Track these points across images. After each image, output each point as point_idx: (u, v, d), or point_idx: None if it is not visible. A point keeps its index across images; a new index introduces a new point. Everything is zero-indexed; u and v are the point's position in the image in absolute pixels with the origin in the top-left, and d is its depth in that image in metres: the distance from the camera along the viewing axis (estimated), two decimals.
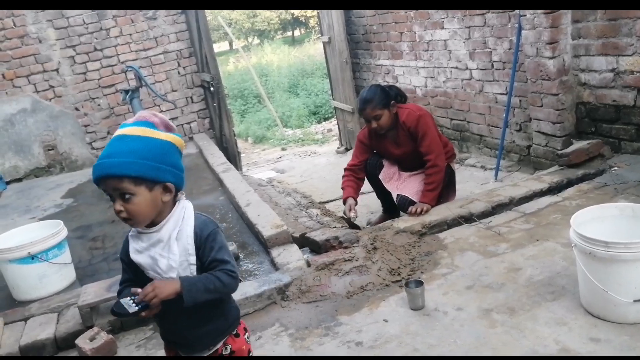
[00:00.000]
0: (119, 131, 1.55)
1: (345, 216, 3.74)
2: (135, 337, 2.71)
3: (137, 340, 2.67)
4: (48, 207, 5.37)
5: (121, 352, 2.59)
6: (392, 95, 3.72)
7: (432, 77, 5.66)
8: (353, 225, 3.68)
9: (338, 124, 8.16)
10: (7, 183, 6.24)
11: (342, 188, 3.90)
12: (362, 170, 3.96)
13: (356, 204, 3.80)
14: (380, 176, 3.91)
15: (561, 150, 3.98)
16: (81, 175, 6.44)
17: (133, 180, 1.50)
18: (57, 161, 6.78)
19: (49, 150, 6.75)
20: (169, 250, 1.57)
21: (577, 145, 3.91)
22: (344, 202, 3.80)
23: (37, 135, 6.67)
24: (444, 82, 5.48)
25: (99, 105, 6.92)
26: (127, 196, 1.51)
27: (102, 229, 4.54)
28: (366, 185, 4.11)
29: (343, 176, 3.97)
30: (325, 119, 11.65)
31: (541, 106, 4.14)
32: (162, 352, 2.52)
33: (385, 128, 3.73)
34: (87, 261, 3.90)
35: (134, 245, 1.60)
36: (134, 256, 1.59)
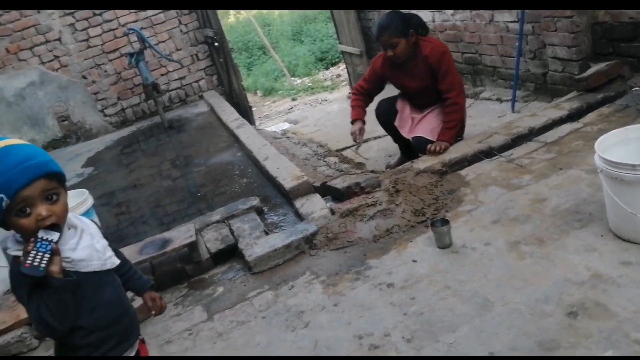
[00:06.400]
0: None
1: (354, 142, 3.88)
2: (172, 295, 2.78)
3: (175, 299, 2.75)
4: (70, 177, 5.43)
5: None
6: (412, 25, 3.58)
7: (439, 11, 5.50)
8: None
9: (347, 69, 8.03)
10: None
11: (351, 107, 3.96)
12: (370, 94, 3.97)
13: (364, 123, 3.87)
14: (396, 123, 3.87)
15: (579, 74, 3.89)
16: (98, 143, 6.48)
17: (58, 178, 1.40)
18: (72, 131, 6.82)
19: (63, 121, 6.77)
20: (89, 234, 1.52)
21: (595, 68, 3.81)
22: (352, 123, 3.88)
23: (49, 107, 6.68)
24: (452, 15, 5.32)
25: (105, 71, 6.87)
26: (54, 197, 1.37)
27: (126, 194, 4.61)
28: (382, 130, 4.10)
29: (352, 94, 4.03)
30: (333, 64, 11.45)
31: (555, 30, 4.01)
32: (199, 309, 2.61)
33: (401, 58, 3.62)
34: (115, 226, 3.97)
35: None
36: (72, 255, 1.43)
